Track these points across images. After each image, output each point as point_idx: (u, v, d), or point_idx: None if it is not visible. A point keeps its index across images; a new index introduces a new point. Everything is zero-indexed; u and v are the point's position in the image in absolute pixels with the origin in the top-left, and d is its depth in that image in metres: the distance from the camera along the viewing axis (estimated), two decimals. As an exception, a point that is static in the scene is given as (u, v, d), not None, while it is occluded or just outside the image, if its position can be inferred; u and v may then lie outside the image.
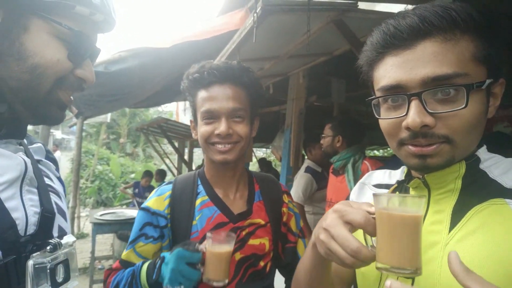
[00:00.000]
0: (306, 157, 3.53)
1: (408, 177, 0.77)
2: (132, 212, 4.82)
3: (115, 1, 0.82)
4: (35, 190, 0.72)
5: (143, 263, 1.09)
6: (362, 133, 2.44)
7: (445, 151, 0.64)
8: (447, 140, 0.63)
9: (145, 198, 6.55)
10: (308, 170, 3.14)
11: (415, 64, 0.62)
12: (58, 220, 0.75)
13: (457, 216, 0.66)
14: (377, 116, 0.72)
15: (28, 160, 0.71)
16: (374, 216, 0.61)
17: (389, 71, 0.65)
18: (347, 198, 0.99)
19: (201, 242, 1.06)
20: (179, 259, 0.98)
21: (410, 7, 1.90)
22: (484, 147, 0.72)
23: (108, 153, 14.82)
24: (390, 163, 2.26)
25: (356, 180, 2.25)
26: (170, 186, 1.21)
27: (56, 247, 0.66)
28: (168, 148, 10.79)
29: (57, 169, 0.89)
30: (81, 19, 0.70)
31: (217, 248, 0.98)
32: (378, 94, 0.69)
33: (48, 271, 0.64)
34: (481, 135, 0.69)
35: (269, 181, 1.32)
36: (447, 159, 0.65)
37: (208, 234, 1.00)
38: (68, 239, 0.70)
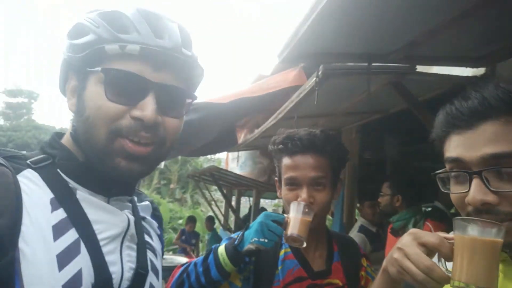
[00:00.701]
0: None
1: None
2: (182, 259, 4.88)
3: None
4: (135, 247, 0.76)
5: (218, 247, 1.15)
6: (422, 192, 2.37)
7: None
8: None
9: (192, 244, 6.62)
10: (361, 229, 3.05)
11: (476, 142, 0.65)
12: (151, 277, 0.78)
13: None
14: (443, 189, 0.74)
15: (132, 218, 0.76)
16: (450, 241, 0.64)
17: (453, 147, 0.70)
18: None
19: None
20: (266, 216, 1.09)
21: (468, 70, 1.90)
22: None
23: (159, 197, 15.36)
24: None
25: (417, 242, 2.16)
26: None
27: None
28: (215, 195, 11.00)
29: (160, 227, 0.92)
30: (119, 58, 0.68)
31: (298, 214, 1.10)
32: (446, 165, 0.73)
33: None
34: None
35: (348, 243, 1.36)
36: None
37: (293, 202, 1.12)
38: None
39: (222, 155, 11.52)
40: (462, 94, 0.71)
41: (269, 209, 12.68)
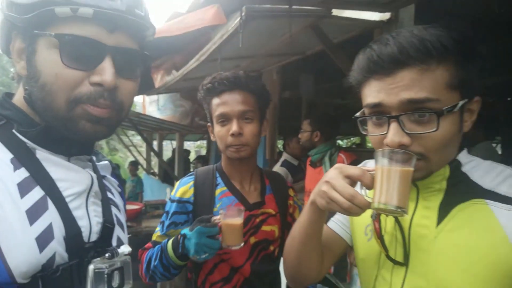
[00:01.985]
0: (282, 150, 3.71)
1: None
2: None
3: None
4: (99, 202, 0.78)
5: (168, 240, 1.26)
6: (337, 128, 2.65)
7: (421, 166, 0.72)
8: (422, 157, 0.71)
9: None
10: (284, 164, 3.32)
11: (394, 89, 0.70)
12: (117, 231, 0.81)
13: (443, 212, 0.75)
14: (363, 133, 0.80)
15: (94, 176, 0.78)
16: (371, 172, 0.73)
17: (373, 92, 0.74)
18: None
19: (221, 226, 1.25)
20: (200, 234, 1.14)
21: (376, 14, 2.07)
22: (465, 150, 0.80)
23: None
24: (364, 156, 2.49)
25: (332, 171, 2.46)
26: (192, 177, 1.39)
27: (114, 254, 0.72)
28: (133, 141, 10.60)
29: (120, 185, 0.94)
30: (70, 21, 0.65)
31: (229, 220, 1.15)
32: (365, 110, 0.78)
33: (106, 276, 0.70)
34: (456, 148, 0.77)
35: (277, 177, 1.52)
36: (424, 173, 0.74)
37: (221, 211, 1.17)
38: (124, 248, 0.76)
39: (137, 98, 10.92)
40: (381, 39, 0.73)
41: (192, 151, 12.72)
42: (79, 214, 0.72)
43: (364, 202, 0.71)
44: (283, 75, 3.99)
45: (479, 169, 0.77)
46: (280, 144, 6.17)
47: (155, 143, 9.14)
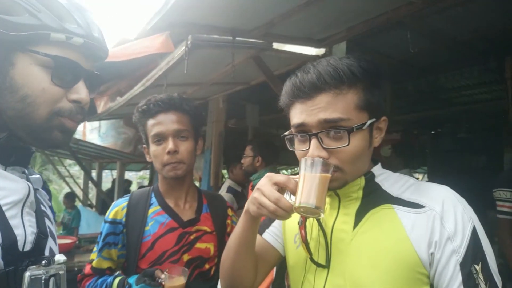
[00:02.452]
0: (227, 177, 3.74)
1: None
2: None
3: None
4: (33, 213, 0.79)
5: (113, 280, 1.26)
6: (277, 154, 2.77)
7: (337, 177, 0.82)
8: (338, 169, 0.81)
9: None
10: (229, 190, 3.35)
11: (314, 110, 0.80)
12: (50, 242, 0.82)
13: (358, 217, 0.85)
14: (290, 148, 0.89)
15: (31, 186, 0.79)
16: (296, 179, 0.82)
17: (297, 114, 0.84)
18: None
19: (153, 243, 1.29)
20: None
21: (313, 49, 2.27)
22: (379, 164, 0.92)
23: None
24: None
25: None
26: (127, 198, 1.40)
27: (50, 262, 0.73)
28: (70, 170, 9.96)
29: (50, 199, 0.97)
30: (60, 45, 0.74)
31: (173, 282, 1.18)
32: (292, 129, 0.88)
33: (43, 282, 0.70)
34: (368, 161, 0.89)
35: (216, 197, 1.56)
36: (341, 182, 0.84)
37: (166, 271, 1.19)
38: (60, 257, 0.78)
39: (80, 127, 10.39)
40: (304, 68, 0.84)
41: (134, 182, 12.19)
42: (15, 223, 0.72)
43: (287, 204, 0.79)
44: (229, 104, 4.11)
45: (389, 180, 0.89)
46: (225, 171, 6.21)
47: (94, 173, 8.67)
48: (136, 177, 15.32)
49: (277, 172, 2.74)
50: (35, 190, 0.86)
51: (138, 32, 4.29)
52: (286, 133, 0.90)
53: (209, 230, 1.39)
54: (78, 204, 8.36)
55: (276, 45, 2.37)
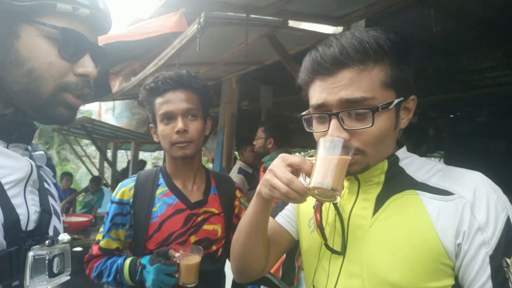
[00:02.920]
0: (238, 158, 3.73)
1: None
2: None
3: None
4: (36, 192, 0.78)
5: (124, 261, 1.27)
6: (290, 136, 2.72)
7: (358, 160, 0.76)
8: (360, 152, 0.75)
9: (68, 202, 6.04)
10: (240, 171, 3.34)
11: (335, 89, 0.74)
12: (54, 220, 0.81)
13: (379, 203, 0.80)
14: (307, 129, 0.83)
15: (34, 164, 0.77)
16: (312, 161, 0.76)
17: (317, 92, 0.78)
18: None
19: (160, 224, 1.28)
20: (159, 271, 1.18)
21: (330, 28, 2.19)
22: (404, 148, 0.85)
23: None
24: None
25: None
26: (134, 178, 1.38)
27: (54, 242, 0.72)
28: (86, 150, 10.15)
29: (54, 176, 0.95)
30: (66, 16, 0.71)
31: (188, 260, 1.20)
32: (311, 109, 0.82)
33: (47, 262, 0.70)
34: (393, 143, 0.82)
35: (224, 178, 1.52)
36: (362, 166, 0.78)
37: (181, 250, 1.19)
38: (64, 236, 0.76)
39: (93, 106, 10.52)
40: (325, 41, 0.78)
41: (149, 162, 12.37)
42: (17, 202, 0.71)
43: (300, 186, 0.74)
44: (243, 84, 4.05)
45: (415, 164, 0.83)
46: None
47: (109, 153, 8.81)
48: (151, 158, 15.53)
49: (289, 153, 2.68)
50: (39, 167, 0.84)
51: (152, 11, 4.26)
52: (304, 112, 0.84)
53: (217, 211, 1.38)
54: (108, 188, 8.56)
55: (291, 23, 2.29)
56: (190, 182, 1.38)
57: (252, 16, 2.03)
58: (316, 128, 0.81)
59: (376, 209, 0.80)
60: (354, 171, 0.79)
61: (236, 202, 1.46)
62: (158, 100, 1.29)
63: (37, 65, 0.70)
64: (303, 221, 0.97)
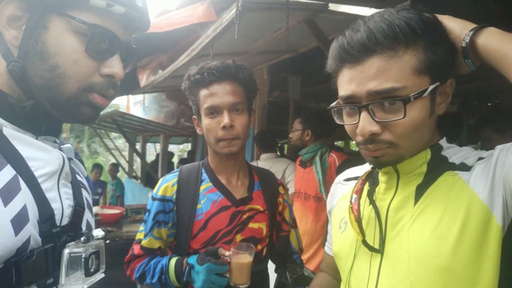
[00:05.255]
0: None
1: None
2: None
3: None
4: (69, 185, 0.75)
5: (169, 261, 1.21)
6: (330, 127, 2.59)
7: (390, 153, 0.73)
8: (391, 145, 0.72)
9: (98, 194, 6.23)
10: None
11: (363, 79, 0.69)
12: (87, 214, 0.79)
13: (420, 192, 0.76)
14: (337, 121, 0.80)
15: (65, 156, 0.75)
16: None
17: (345, 83, 0.73)
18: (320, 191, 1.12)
19: (206, 222, 1.22)
20: (209, 271, 1.12)
21: (373, 10, 2.04)
22: (444, 139, 0.82)
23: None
24: (354, 156, 2.44)
25: (323, 171, 2.40)
26: (176, 174, 1.31)
27: (89, 238, 0.70)
28: (116, 143, 10.35)
29: (84, 168, 0.93)
30: (100, 12, 0.67)
31: (239, 258, 1.14)
32: (340, 101, 0.78)
33: (83, 260, 0.67)
34: (429, 131, 0.76)
35: (267, 174, 1.44)
36: (395, 158, 0.74)
37: (232, 249, 1.13)
38: (98, 232, 0.74)
39: (120, 100, 10.68)
40: (353, 25, 0.73)
41: (176, 154, 12.51)
42: (51, 195, 0.69)
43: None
44: (273, 74, 3.94)
45: (457, 152, 0.79)
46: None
47: (138, 146, 8.94)
48: (178, 150, 15.73)
49: (329, 146, 2.55)
50: (69, 159, 0.81)
51: (179, 1, 4.19)
52: (333, 104, 0.79)
53: (262, 209, 1.30)
54: (124, 175, 8.72)
55: (332, 6, 2.15)
56: (234, 178, 1.32)
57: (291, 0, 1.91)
58: (347, 120, 0.77)
59: (417, 199, 0.76)
60: (387, 162, 0.75)
61: (280, 199, 1.39)
62: (203, 92, 1.23)
63: (61, 62, 0.66)
64: (335, 227, 0.96)
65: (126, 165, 8.89)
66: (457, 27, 0.71)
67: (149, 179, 7.12)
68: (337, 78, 0.77)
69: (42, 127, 0.72)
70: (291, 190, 2.75)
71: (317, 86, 4.80)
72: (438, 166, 0.77)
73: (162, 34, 3.55)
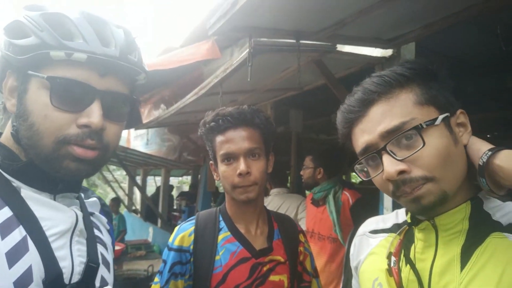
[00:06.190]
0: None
1: (414, 219, 0.81)
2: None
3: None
4: (84, 241, 0.77)
5: None
6: (342, 164, 2.57)
7: (432, 189, 0.68)
8: (428, 179, 0.68)
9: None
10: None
11: (372, 126, 0.73)
12: (102, 270, 0.79)
13: (466, 255, 0.70)
14: (365, 179, 0.80)
15: (80, 214, 0.76)
16: None
17: (358, 138, 0.77)
18: (347, 252, 1.09)
19: (225, 276, 1.16)
20: None
21: (379, 50, 2.07)
22: (482, 191, 0.75)
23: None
24: (367, 193, 2.40)
25: (337, 211, 2.34)
26: (193, 222, 1.27)
27: None
28: (115, 175, 10.26)
29: (109, 222, 0.93)
30: (64, 64, 0.68)
31: None
32: (359, 157, 0.79)
33: None
34: (463, 164, 0.72)
35: (287, 220, 1.39)
36: (438, 196, 0.69)
37: None
38: None
39: (123, 134, 10.70)
40: (349, 94, 0.80)
41: (175, 186, 12.40)
42: (61, 254, 0.70)
43: None
44: (276, 110, 3.97)
45: (501, 209, 0.73)
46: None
47: (138, 179, 8.86)
48: (176, 182, 15.59)
49: (342, 183, 2.50)
50: (91, 214, 0.84)
51: (183, 39, 4.28)
52: (355, 163, 0.80)
53: (282, 260, 1.24)
54: (123, 209, 8.57)
55: (339, 47, 2.20)
56: (253, 226, 1.27)
57: (302, 42, 1.94)
58: (373, 173, 0.76)
59: (463, 263, 0.69)
60: (431, 202, 0.70)
61: (301, 248, 1.33)
62: (219, 139, 1.21)
63: (35, 119, 0.68)
64: (366, 287, 0.88)
65: (125, 198, 8.77)
66: (477, 143, 0.73)
67: (148, 213, 7.00)
68: (351, 141, 0.80)
69: (58, 185, 0.74)
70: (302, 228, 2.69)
71: (318, 119, 4.85)
72: (482, 224, 0.71)
73: (165, 70, 3.60)
